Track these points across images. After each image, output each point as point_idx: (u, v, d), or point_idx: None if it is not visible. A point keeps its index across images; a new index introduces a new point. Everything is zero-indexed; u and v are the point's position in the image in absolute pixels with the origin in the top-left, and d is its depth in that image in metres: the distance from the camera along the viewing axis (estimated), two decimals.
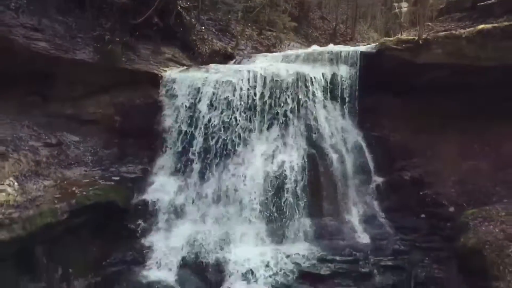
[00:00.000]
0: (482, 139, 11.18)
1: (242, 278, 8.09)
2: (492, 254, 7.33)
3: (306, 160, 10.00)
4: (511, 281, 6.54)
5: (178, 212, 9.51)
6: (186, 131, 10.14)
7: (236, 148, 9.99)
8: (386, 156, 11.13)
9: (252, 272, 8.16)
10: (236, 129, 10.02)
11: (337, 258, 8.59)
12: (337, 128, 10.86)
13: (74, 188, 8.22)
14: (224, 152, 9.95)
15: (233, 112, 10.04)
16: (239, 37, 15.42)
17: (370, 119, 11.56)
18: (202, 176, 9.87)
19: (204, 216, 9.49)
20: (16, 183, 7.14)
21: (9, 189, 6.89)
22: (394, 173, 10.90)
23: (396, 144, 11.47)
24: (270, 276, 8.09)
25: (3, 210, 6.56)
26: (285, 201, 9.61)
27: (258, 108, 10.19)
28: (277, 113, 10.27)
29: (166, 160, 10.19)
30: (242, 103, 10.09)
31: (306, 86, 10.46)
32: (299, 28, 20.25)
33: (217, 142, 9.97)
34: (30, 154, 8.42)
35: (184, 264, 8.38)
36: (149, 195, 9.52)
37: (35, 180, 7.86)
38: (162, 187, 9.78)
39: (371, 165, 10.80)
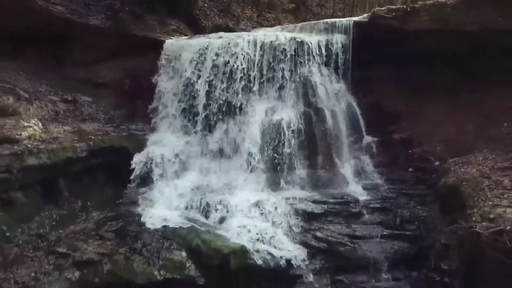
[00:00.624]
0: (467, 104, 11.94)
1: (243, 215, 8.85)
2: (469, 189, 8.11)
3: (302, 118, 10.78)
4: (482, 207, 7.32)
5: (184, 165, 10.32)
6: (190, 92, 10.94)
7: (237, 107, 10.78)
8: (377, 119, 11.89)
9: (252, 210, 8.91)
10: (237, 90, 10.80)
11: (330, 200, 9.39)
12: (332, 92, 11.62)
13: (90, 135, 9.02)
14: (226, 111, 10.73)
15: (234, 74, 10.82)
16: (239, 17, 16.22)
17: (363, 86, 12.32)
18: (206, 133, 10.68)
19: (208, 168, 10.30)
20: (40, 124, 7.94)
21: (35, 127, 7.70)
22: (384, 133, 11.66)
23: (387, 110, 12.23)
24: (269, 213, 8.84)
25: (31, 142, 7.37)
26: (282, 154, 10.37)
27: (258, 70, 10.96)
28: (276, 74, 11.04)
29: (172, 119, 10.98)
30: (243, 65, 10.87)
31: (303, 50, 11.23)
32: (297, 13, 21.02)
33: (219, 102, 10.75)
34: (50, 105, 9.23)
35: (190, 205, 9.15)
36: (157, 150, 10.29)
37: (55, 125, 8.68)
38: (169, 143, 10.59)
39: (363, 126, 11.58)
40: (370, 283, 7.92)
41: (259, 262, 7.62)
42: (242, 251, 7.43)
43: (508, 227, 6.56)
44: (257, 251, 7.84)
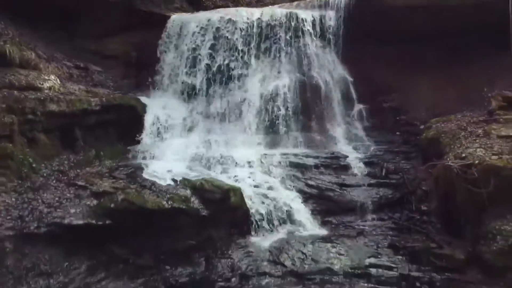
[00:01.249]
0: (452, 76, 12.82)
1: (243, 167, 9.69)
2: (447, 139, 8.98)
3: (297, 86, 11.63)
4: (456, 150, 8.18)
5: (188, 127, 11.18)
6: (192, 63, 11.80)
7: (237, 76, 11.64)
8: (368, 90, 12.73)
9: (251, 162, 9.76)
10: (236, 59, 11.66)
11: (322, 155, 10.23)
12: (325, 63, 12.50)
13: (102, 95, 9.87)
14: (227, 80, 11.61)
15: (234, 46, 11.69)
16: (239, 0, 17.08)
17: (355, 60, 13.09)
18: (208, 99, 11.56)
19: (211, 130, 11.17)
20: (58, 80, 8.78)
21: (54, 81, 8.55)
22: (375, 102, 12.53)
23: (378, 82, 13.06)
24: (266, 165, 9.69)
25: (51, 92, 8.23)
26: (279, 118, 11.24)
27: (256, 42, 11.82)
28: (272, 46, 11.90)
29: (177, 87, 11.85)
30: (242, 37, 11.73)
31: (298, 24, 12.09)
32: None
33: (220, 71, 11.62)
34: (65, 68, 10.10)
35: (194, 158, 9.96)
36: (163, 112, 11.14)
37: (71, 83, 9.53)
38: (174, 108, 11.45)
39: (354, 95, 12.45)
40: (356, 223, 8.72)
41: (256, 202, 8.43)
42: (241, 191, 8.23)
43: (476, 161, 7.42)
44: (255, 192, 8.66)
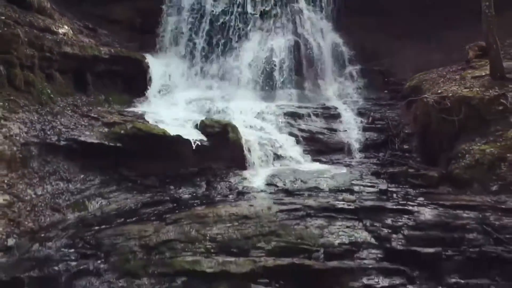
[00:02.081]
0: (437, 39, 13.67)
1: (240, 115, 10.50)
2: (427, 85, 9.79)
3: (292, 47, 12.44)
4: (433, 90, 9.01)
5: (189, 83, 12.00)
6: (193, 26, 12.61)
7: (235, 37, 12.46)
8: (359, 55, 13.58)
9: (247, 111, 10.57)
10: (235, 24, 12.48)
11: (314, 106, 11.06)
12: (318, 28, 13.33)
13: (110, 47, 10.68)
14: (225, 41, 12.41)
15: (232, 9, 12.50)
16: None
17: (348, 28, 13.97)
18: (208, 59, 12.36)
19: (210, 86, 12.00)
20: (71, 31, 9.59)
21: (67, 30, 9.36)
22: (365, 65, 13.34)
23: (369, 48, 13.89)
24: (261, 113, 10.51)
25: (65, 37, 9.04)
26: (274, 76, 12.06)
27: (253, 5, 12.63)
28: (269, 9, 12.71)
29: (179, 48, 12.67)
30: (240, 1, 12.54)
31: None
32: None
33: (219, 33, 12.43)
34: (76, 25, 10.87)
35: (195, 110, 10.76)
36: (166, 69, 11.96)
37: (82, 37, 10.32)
38: (177, 67, 12.27)
39: (346, 58, 13.28)
40: (344, 160, 9.54)
41: (252, 140, 9.25)
42: (238, 129, 9.03)
43: (450, 94, 8.24)
44: (251, 133, 9.49)
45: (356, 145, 9.90)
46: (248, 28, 12.58)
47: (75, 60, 8.96)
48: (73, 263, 4.80)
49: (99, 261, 4.91)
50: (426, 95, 8.40)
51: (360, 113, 11.00)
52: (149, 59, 11.90)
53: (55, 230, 5.63)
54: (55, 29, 8.75)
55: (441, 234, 5.88)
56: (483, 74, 8.61)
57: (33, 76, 7.55)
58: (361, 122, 10.58)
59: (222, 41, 12.51)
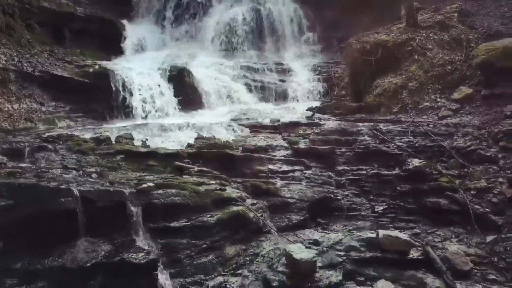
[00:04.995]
0: (389, 12, 14.98)
1: (202, 67, 11.91)
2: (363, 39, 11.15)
3: (254, 13, 13.83)
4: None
5: (161, 45, 13.41)
6: None
7: (201, 5, 13.87)
8: (319, 23, 14.95)
9: (208, 64, 11.99)
10: None
11: (269, 63, 12.50)
12: None
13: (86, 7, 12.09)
14: (192, 9, 13.84)
15: None
16: None
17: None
18: (178, 24, 13.78)
19: (179, 47, 13.38)
20: None
21: None
22: (323, 32, 14.72)
23: (328, 18, 15.23)
24: (219, 66, 11.92)
25: None
26: (237, 40, 13.45)
27: None
28: None
29: (150, 15, 14.12)
30: None
31: None
32: None
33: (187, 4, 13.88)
34: None
35: (165, 62, 12.15)
36: (140, 33, 13.37)
37: None
38: (150, 31, 13.69)
39: (305, 25, 14.64)
40: (288, 104, 10.97)
41: (207, 84, 10.68)
42: (193, 74, 10.48)
43: (371, 40, 9.64)
44: (208, 78, 10.92)
45: (301, 93, 11.29)
46: None
47: (52, 14, 10.36)
48: (36, 144, 6.20)
49: (57, 144, 6.30)
50: (351, 41, 9.76)
51: (310, 70, 12.40)
52: (125, 23, 13.32)
53: (26, 132, 7.07)
54: None
55: (338, 137, 7.27)
56: (404, 24, 10.00)
57: (14, 22, 8.95)
58: (311, 76, 11.96)
59: (190, 10, 13.92)
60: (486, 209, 5.46)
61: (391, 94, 8.48)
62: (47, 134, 6.73)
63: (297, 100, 11.12)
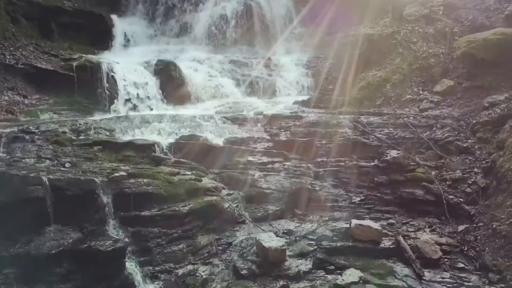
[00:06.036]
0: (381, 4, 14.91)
1: (192, 60, 11.89)
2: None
3: (244, 8, 13.79)
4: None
5: (150, 40, 13.38)
6: None
7: (192, 1, 13.84)
8: (310, 20, 14.90)
9: (198, 59, 11.97)
10: None
11: (259, 58, 12.45)
12: None
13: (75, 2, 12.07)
14: (183, 3, 13.80)
15: None
16: None
17: None
18: (167, 19, 13.74)
19: (169, 42, 13.36)
20: None
21: None
22: (314, 27, 14.66)
23: (319, 14, 15.16)
24: (209, 61, 11.90)
25: None
26: (228, 34, 13.42)
27: None
28: None
29: (141, 10, 14.05)
30: None
31: None
32: None
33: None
34: None
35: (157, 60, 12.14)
36: (129, 28, 13.35)
37: None
38: (140, 25, 13.65)
39: (295, 18, 14.61)
40: (275, 98, 10.95)
41: (194, 78, 10.66)
42: (179, 67, 10.44)
43: (357, 34, 9.62)
44: (196, 73, 10.90)
45: (289, 87, 11.29)
46: None
47: (39, 8, 10.33)
48: (13, 134, 6.20)
49: (34, 135, 6.31)
50: (339, 35, 9.75)
51: (299, 64, 12.38)
52: (114, 18, 13.28)
53: (6, 122, 7.06)
54: None
55: (319, 129, 7.27)
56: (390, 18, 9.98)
57: None
58: (299, 71, 11.95)
59: (180, 5, 13.86)
60: (460, 199, 5.46)
61: (375, 87, 8.49)
62: (25, 125, 6.72)
63: (286, 94, 11.09)
